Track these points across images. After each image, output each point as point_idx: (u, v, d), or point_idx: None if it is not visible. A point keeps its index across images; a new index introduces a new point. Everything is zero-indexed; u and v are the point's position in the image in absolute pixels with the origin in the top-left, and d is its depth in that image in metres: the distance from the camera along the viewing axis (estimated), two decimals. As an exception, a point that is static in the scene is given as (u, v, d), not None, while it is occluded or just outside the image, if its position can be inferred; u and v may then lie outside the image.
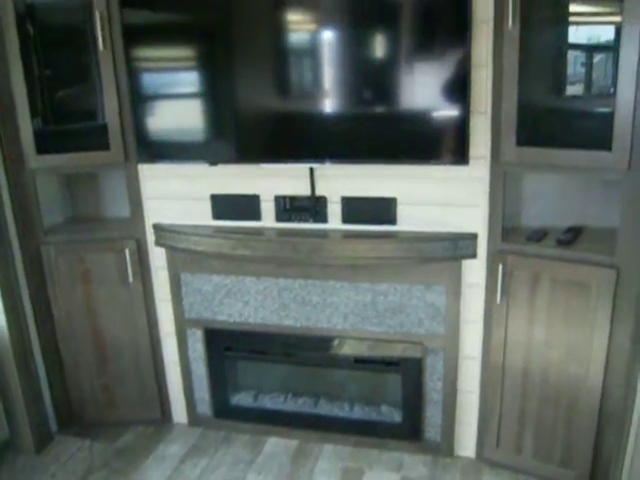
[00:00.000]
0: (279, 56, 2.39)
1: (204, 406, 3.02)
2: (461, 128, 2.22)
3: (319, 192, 2.51)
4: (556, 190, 2.44)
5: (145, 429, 3.06)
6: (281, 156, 2.46)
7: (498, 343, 2.45)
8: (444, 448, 2.73)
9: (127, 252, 2.76)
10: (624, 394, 2.20)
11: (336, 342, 2.71)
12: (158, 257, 2.81)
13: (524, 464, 2.54)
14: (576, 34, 2.19)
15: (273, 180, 2.56)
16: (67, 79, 2.74)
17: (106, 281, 2.83)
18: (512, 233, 2.40)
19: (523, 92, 2.14)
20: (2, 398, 2.85)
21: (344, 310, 2.63)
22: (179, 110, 2.58)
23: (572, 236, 2.31)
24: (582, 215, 2.41)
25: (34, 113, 2.63)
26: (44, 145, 2.66)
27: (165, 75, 2.60)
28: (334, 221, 2.54)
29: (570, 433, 2.40)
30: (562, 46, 2.20)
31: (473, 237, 2.40)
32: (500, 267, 2.34)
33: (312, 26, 2.35)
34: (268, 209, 2.60)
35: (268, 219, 2.61)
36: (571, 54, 2.20)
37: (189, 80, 2.55)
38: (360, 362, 2.72)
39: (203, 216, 2.69)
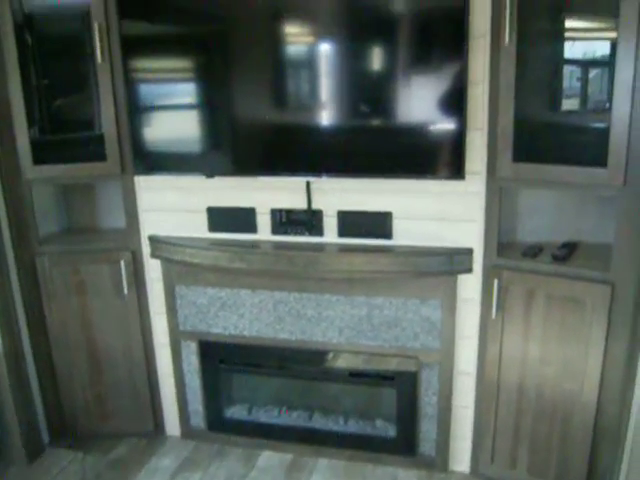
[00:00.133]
0: (276, 68, 2.40)
1: (198, 419, 3.00)
2: (457, 143, 2.23)
3: (315, 205, 2.51)
4: (551, 205, 2.44)
5: (138, 441, 3.04)
6: (278, 169, 2.46)
7: (493, 358, 2.45)
8: (439, 463, 2.71)
9: (122, 263, 2.75)
10: (619, 410, 2.21)
11: (331, 356, 2.70)
12: (153, 269, 2.81)
13: (519, 479, 2.53)
14: (572, 49, 2.20)
15: (269, 193, 2.56)
16: (64, 89, 2.74)
17: (101, 292, 2.82)
18: (508, 248, 2.40)
19: (519, 107, 2.16)
20: (-6, 409, 2.83)
21: (339, 324, 2.62)
22: (176, 122, 2.59)
23: (567, 252, 2.31)
24: (577, 231, 2.42)
25: (31, 123, 2.64)
26: (41, 155, 2.66)
27: (162, 86, 2.62)
28: (330, 235, 2.54)
29: (565, 448, 2.39)
30: (558, 61, 2.22)
31: (469, 252, 2.40)
32: (495, 282, 2.34)
33: (310, 39, 2.36)
34: (264, 222, 2.60)
35: (264, 232, 2.61)
36: (567, 69, 2.22)
37: (186, 92, 2.56)
38: (355, 376, 2.71)
39: (199, 228, 2.69)
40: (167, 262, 2.75)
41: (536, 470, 2.48)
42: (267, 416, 2.96)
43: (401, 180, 2.39)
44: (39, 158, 2.66)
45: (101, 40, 2.48)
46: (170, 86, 2.61)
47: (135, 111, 2.55)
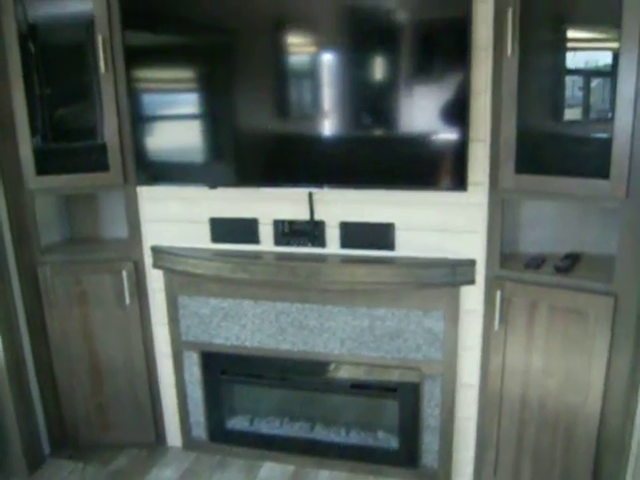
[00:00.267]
0: (279, 79, 2.40)
1: (199, 430, 2.99)
2: (460, 154, 2.23)
3: (318, 216, 2.52)
4: (554, 217, 2.44)
5: (139, 452, 3.03)
6: (280, 180, 2.47)
7: (496, 369, 2.44)
8: (441, 475, 2.70)
9: (124, 274, 2.75)
10: (622, 421, 2.20)
11: (333, 367, 2.70)
12: (155, 279, 2.81)
13: (522, 492, 2.52)
14: (574, 59, 2.22)
15: (272, 204, 2.56)
16: (67, 98, 2.76)
17: (103, 302, 2.82)
18: (510, 259, 2.39)
19: (522, 118, 2.16)
20: (-5, 419, 2.83)
21: (341, 335, 2.62)
22: (178, 132, 2.60)
23: (570, 263, 2.31)
24: (580, 242, 2.42)
25: (34, 132, 2.65)
26: (43, 165, 2.67)
27: (165, 96, 2.62)
28: (332, 246, 2.54)
29: (568, 460, 2.37)
30: (560, 71, 2.22)
31: (471, 263, 2.39)
32: (498, 294, 2.33)
33: (312, 49, 2.37)
34: (267, 233, 2.60)
35: (266, 243, 2.61)
36: (569, 79, 2.22)
37: (189, 102, 2.57)
38: (357, 387, 2.70)
39: (201, 239, 2.69)
40: (169, 272, 2.75)
41: (539, 482, 2.47)
42: (269, 427, 2.95)
43: (403, 191, 2.39)
44: (42, 168, 2.67)
45: (104, 51, 2.49)
46: (173, 96, 2.61)
47: (138, 121, 2.56)
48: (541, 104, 2.31)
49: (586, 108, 2.25)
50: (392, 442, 2.77)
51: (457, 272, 2.39)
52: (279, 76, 2.40)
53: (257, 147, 2.51)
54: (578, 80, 2.21)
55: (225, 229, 2.64)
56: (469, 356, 2.52)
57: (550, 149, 2.26)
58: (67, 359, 2.89)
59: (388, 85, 2.30)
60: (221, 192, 2.58)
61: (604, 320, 2.16)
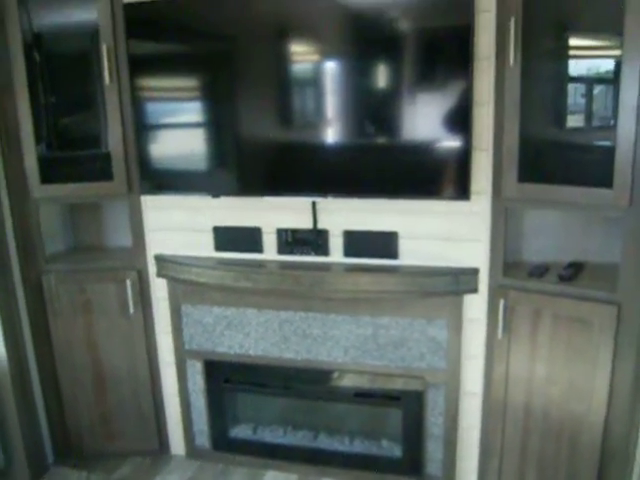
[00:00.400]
0: (282, 87, 2.41)
1: (202, 438, 2.99)
2: (463, 164, 2.23)
3: (321, 225, 2.52)
4: (557, 225, 2.44)
5: (142, 461, 3.03)
6: (283, 190, 2.47)
7: (499, 378, 2.44)
8: (445, 484, 2.70)
9: (128, 282, 2.75)
10: (627, 430, 2.19)
11: (336, 375, 2.70)
12: (159, 288, 2.81)
13: (526, 501, 2.52)
14: (576, 67, 2.22)
15: (275, 213, 2.57)
16: (72, 106, 2.78)
17: (107, 311, 2.83)
18: (514, 268, 2.39)
19: (524, 127, 2.16)
20: (-1, 427, 2.83)
21: (345, 343, 2.61)
22: (182, 141, 2.61)
23: (573, 272, 2.31)
24: (583, 250, 2.42)
25: (38, 141, 2.66)
26: (48, 174, 2.68)
27: (169, 105, 2.63)
28: (336, 254, 2.54)
29: (572, 469, 2.37)
30: (563, 79, 2.23)
31: (474, 272, 2.40)
32: (502, 302, 2.33)
33: (315, 57, 2.38)
34: (270, 242, 2.60)
35: (270, 252, 2.61)
36: (571, 86, 2.23)
37: (192, 111, 2.58)
38: (360, 396, 2.70)
39: (205, 248, 2.69)
40: (173, 281, 2.75)
41: (543, 491, 2.47)
42: (272, 436, 2.95)
43: (406, 200, 2.39)
44: (46, 177, 2.67)
45: (109, 60, 2.50)
46: (177, 105, 2.62)
47: (142, 130, 2.57)
48: (544, 112, 2.31)
49: (588, 115, 2.25)
50: (396, 451, 2.77)
51: (460, 281, 2.39)
52: (282, 84, 2.41)
53: (260, 156, 2.52)
54: (580, 87, 2.21)
55: (228, 238, 2.65)
56: (473, 365, 2.52)
57: (553, 157, 2.26)
58: (71, 368, 2.90)
59: (391, 94, 2.31)
60: (224, 201, 2.58)
61: (608, 329, 2.15)
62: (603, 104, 2.20)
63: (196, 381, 2.89)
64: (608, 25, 2.06)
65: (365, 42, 2.28)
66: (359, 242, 2.50)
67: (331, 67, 2.34)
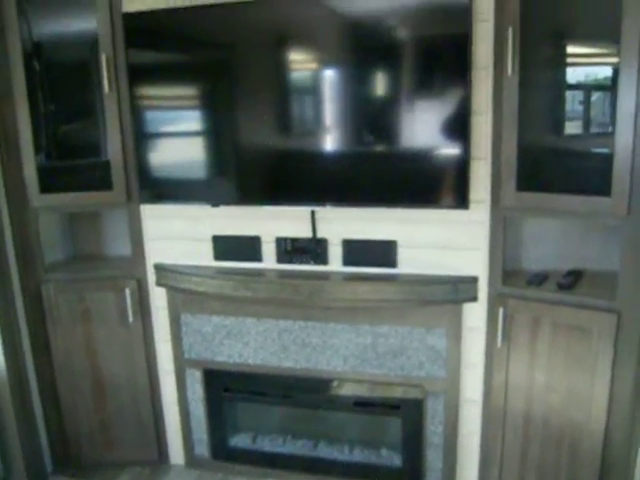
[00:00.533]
0: (280, 96, 2.42)
1: (202, 447, 2.98)
2: (462, 173, 2.24)
3: (320, 234, 2.52)
4: (556, 233, 2.44)
5: (142, 470, 3.02)
6: (282, 199, 2.47)
7: (499, 386, 2.44)
8: (445, 493, 2.69)
9: (128, 291, 2.75)
10: (627, 437, 2.19)
11: (336, 384, 2.69)
12: (159, 297, 2.81)
13: (526, 510, 2.51)
14: (574, 74, 2.23)
15: (274, 222, 2.57)
16: (71, 115, 2.78)
17: (106, 320, 2.82)
18: (513, 276, 2.40)
19: (522, 135, 2.17)
20: (-2, 437, 2.82)
21: (344, 352, 2.61)
22: (181, 150, 2.61)
23: (572, 280, 2.31)
24: (582, 258, 2.42)
25: (38, 149, 2.66)
26: (47, 183, 2.68)
27: (168, 114, 2.63)
28: (335, 263, 2.54)
29: (573, 476, 2.36)
30: (561, 87, 2.24)
31: (474, 280, 2.40)
32: (501, 311, 2.33)
33: (314, 65, 2.39)
34: (269, 251, 2.60)
35: (269, 261, 2.62)
36: (569, 93, 2.24)
37: (191, 120, 2.58)
38: (360, 405, 2.69)
39: (204, 257, 2.69)
40: (172, 290, 2.75)
41: (544, 499, 2.46)
42: (271, 445, 2.94)
43: (405, 209, 2.40)
44: (45, 186, 2.68)
45: (108, 69, 2.51)
46: (176, 113, 2.62)
47: (141, 139, 2.57)
48: (542, 120, 2.32)
49: (586, 121, 2.26)
50: (395, 460, 2.76)
51: (459, 289, 2.39)
52: (281, 93, 2.42)
53: (259, 165, 2.52)
54: (578, 94, 2.22)
55: (228, 247, 2.65)
56: (472, 373, 2.51)
57: (551, 166, 2.27)
58: (70, 377, 2.89)
59: (389, 102, 2.31)
60: (224, 210, 2.59)
61: (607, 337, 2.16)
62: (601, 110, 2.21)
63: (195, 390, 2.88)
64: (605, 33, 2.07)
65: (364, 50, 2.29)
66: (358, 251, 2.50)
67: (330, 75, 2.35)
